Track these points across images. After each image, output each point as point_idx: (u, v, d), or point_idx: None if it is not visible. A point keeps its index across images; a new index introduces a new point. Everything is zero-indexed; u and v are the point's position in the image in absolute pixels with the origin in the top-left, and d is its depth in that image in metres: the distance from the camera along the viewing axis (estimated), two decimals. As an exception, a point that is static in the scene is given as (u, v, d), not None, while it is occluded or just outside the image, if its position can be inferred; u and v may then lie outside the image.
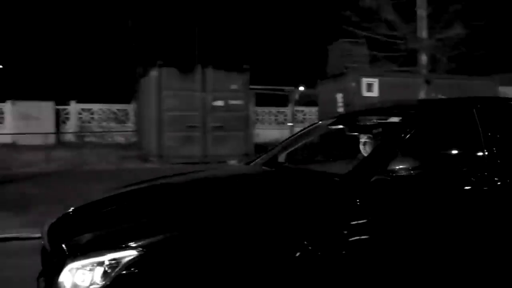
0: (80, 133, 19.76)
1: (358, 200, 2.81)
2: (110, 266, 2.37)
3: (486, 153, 3.22)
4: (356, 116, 4.16)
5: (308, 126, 4.31)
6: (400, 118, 3.42)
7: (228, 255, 2.47)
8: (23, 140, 17.16)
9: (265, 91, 21.16)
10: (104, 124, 20.79)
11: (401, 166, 2.90)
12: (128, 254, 2.37)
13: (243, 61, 15.16)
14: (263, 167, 3.88)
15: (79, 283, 2.41)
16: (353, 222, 2.74)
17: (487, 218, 3.14)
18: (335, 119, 4.18)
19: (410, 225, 2.94)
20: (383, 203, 2.88)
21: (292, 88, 22.82)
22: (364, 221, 2.78)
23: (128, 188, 3.47)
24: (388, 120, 3.78)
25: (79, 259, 2.44)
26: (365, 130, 3.94)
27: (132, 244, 2.41)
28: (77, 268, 2.43)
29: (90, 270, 2.40)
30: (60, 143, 18.75)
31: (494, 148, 3.23)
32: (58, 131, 20.18)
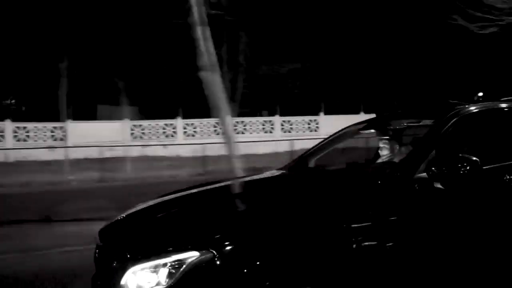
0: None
1: (399, 199, 2.90)
2: (174, 267, 2.45)
3: None
4: (389, 119, 4.22)
5: (339, 130, 4.33)
6: (433, 120, 3.50)
7: (293, 255, 2.55)
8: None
9: None
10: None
11: (442, 165, 2.95)
12: (192, 255, 2.44)
13: None
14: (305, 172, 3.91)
15: (143, 284, 2.48)
16: (395, 218, 2.83)
17: None
18: (366, 123, 4.23)
19: (452, 224, 3.03)
20: (425, 201, 2.96)
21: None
22: (405, 217, 2.87)
23: (177, 194, 3.53)
24: (419, 123, 3.86)
25: (143, 262, 2.51)
26: (396, 134, 4.00)
27: (195, 245, 2.48)
28: (141, 270, 2.50)
29: (154, 271, 2.47)
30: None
31: None
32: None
